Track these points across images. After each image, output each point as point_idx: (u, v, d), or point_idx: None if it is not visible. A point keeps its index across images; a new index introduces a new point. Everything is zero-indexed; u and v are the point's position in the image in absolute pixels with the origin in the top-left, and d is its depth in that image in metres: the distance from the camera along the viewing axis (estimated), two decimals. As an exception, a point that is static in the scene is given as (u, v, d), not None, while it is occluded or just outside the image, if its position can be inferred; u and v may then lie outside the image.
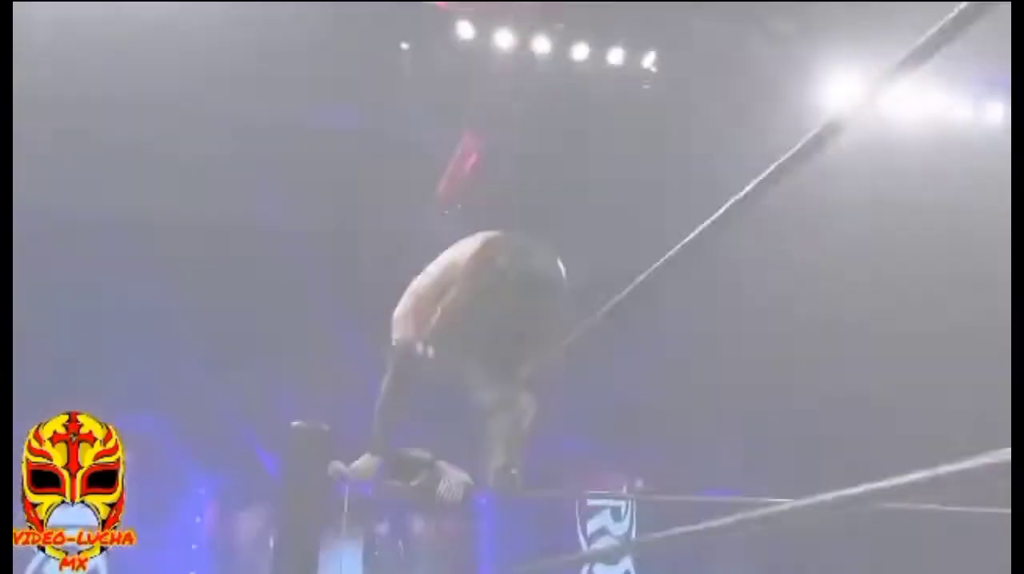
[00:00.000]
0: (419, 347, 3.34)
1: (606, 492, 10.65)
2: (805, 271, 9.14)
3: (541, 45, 8.24)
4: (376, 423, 3.35)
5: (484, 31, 8.07)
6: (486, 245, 3.37)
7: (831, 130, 1.04)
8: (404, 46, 8.11)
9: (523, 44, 8.18)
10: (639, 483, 10.81)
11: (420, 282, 3.56)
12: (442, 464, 3.16)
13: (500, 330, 3.29)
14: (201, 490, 9.12)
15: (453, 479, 3.18)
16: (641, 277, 2.27)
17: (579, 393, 9.25)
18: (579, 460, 10.37)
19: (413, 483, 3.13)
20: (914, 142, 8.43)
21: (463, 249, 3.46)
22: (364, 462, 3.33)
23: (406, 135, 8.54)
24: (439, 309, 3.31)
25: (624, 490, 10.79)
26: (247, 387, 8.82)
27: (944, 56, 0.96)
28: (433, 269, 3.55)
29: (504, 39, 8.14)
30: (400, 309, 3.52)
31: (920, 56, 0.94)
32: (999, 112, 8.65)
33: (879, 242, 8.93)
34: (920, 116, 8.60)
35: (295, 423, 3.25)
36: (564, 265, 3.37)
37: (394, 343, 3.42)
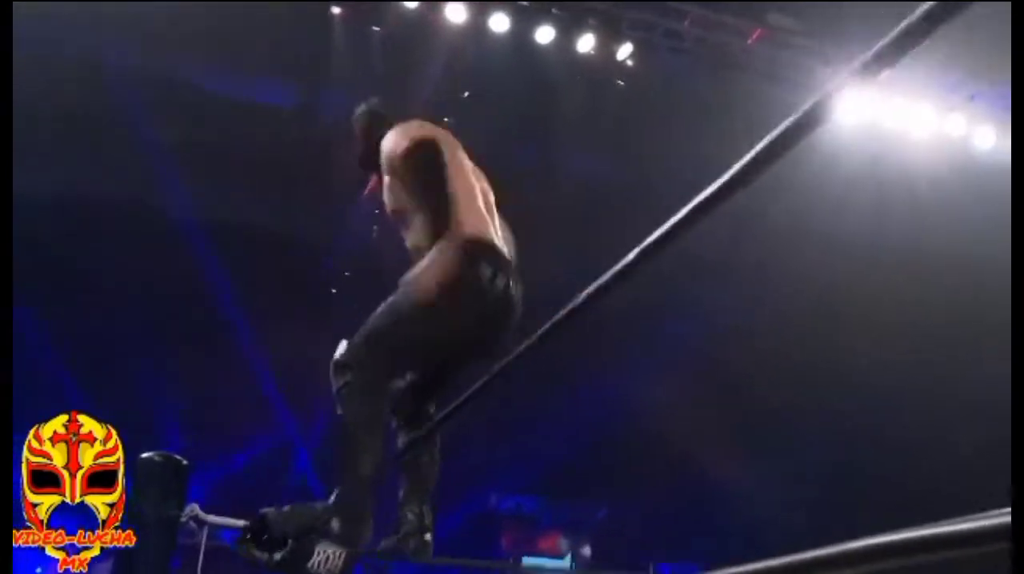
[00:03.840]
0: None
1: (544, 560, 9.25)
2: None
3: (499, 23, 7.13)
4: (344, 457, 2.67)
5: (433, 3, 6.95)
6: (471, 244, 2.74)
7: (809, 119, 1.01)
8: (335, 10, 6.97)
9: (478, 20, 7.05)
10: (586, 550, 9.46)
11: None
12: (314, 537, 2.67)
13: (455, 343, 2.85)
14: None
15: (330, 549, 2.68)
16: (590, 288, 1.91)
17: (518, 439, 8.11)
18: (513, 519, 9.07)
19: (276, 557, 2.67)
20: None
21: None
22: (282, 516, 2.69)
23: (335, 116, 7.36)
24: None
25: (567, 559, 9.41)
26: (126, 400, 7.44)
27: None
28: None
29: (456, 13, 7.03)
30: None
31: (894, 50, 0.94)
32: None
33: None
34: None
35: (144, 455, 2.95)
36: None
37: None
